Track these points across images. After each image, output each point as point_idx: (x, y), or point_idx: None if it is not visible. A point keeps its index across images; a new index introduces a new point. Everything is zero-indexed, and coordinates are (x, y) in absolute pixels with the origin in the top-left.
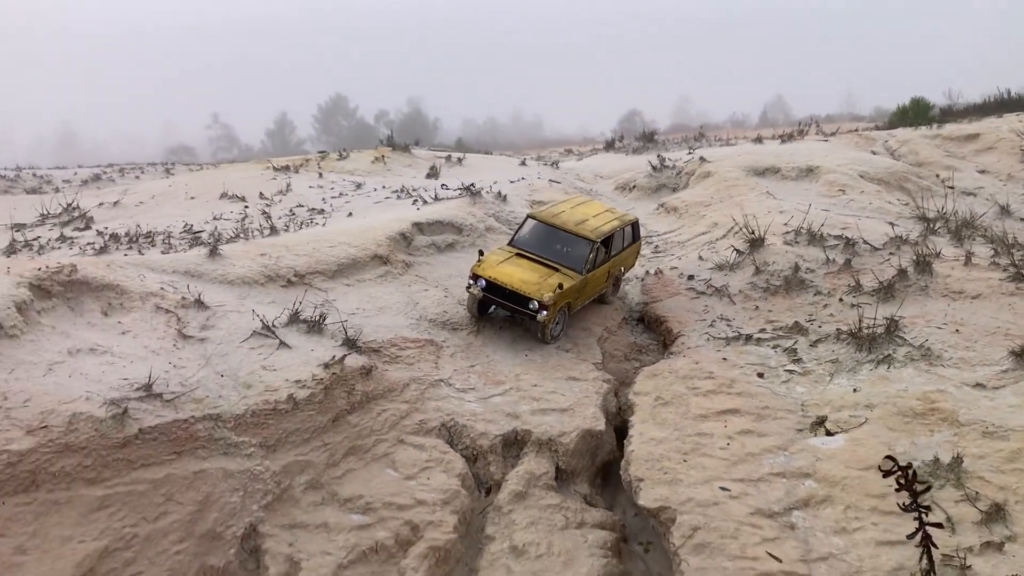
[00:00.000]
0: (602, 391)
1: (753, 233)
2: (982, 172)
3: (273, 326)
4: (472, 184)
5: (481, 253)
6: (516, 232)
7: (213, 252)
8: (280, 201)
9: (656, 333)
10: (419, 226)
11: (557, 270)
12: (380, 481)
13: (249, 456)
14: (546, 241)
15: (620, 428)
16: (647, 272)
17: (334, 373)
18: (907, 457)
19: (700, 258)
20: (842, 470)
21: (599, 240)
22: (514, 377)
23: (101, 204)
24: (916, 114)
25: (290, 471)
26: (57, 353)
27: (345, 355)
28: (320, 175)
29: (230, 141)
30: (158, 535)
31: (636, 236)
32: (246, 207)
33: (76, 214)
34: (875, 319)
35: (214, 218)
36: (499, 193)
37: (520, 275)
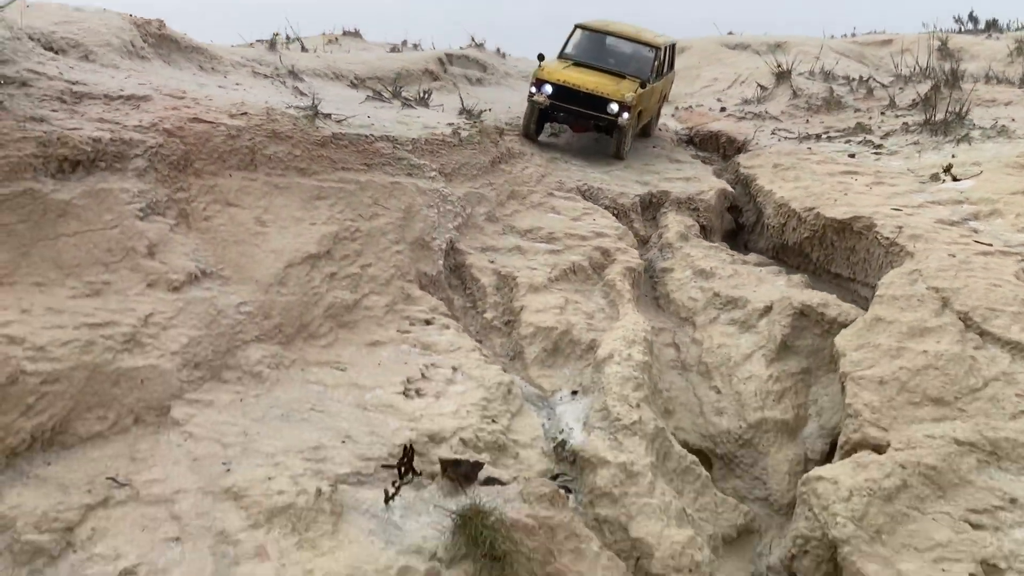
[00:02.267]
0: (711, 170)
1: (780, 66)
2: None
3: (382, 96)
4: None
5: (541, 57)
6: (564, 45)
7: (272, 46)
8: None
9: (713, 150)
10: (449, 57)
11: (623, 77)
12: (549, 220)
13: (432, 179)
14: (602, 50)
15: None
16: (676, 108)
17: (477, 126)
18: None
19: (718, 100)
20: (991, 195)
21: (662, 47)
22: (622, 166)
23: None
24: None
25: (470, 201)
26: (192, 76)
27: (481, 111)
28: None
29: None
30: (377, 233)
31: (673, 63)
32: None
33: None
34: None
35: None
36: (498, 50)
37: (591, 79)
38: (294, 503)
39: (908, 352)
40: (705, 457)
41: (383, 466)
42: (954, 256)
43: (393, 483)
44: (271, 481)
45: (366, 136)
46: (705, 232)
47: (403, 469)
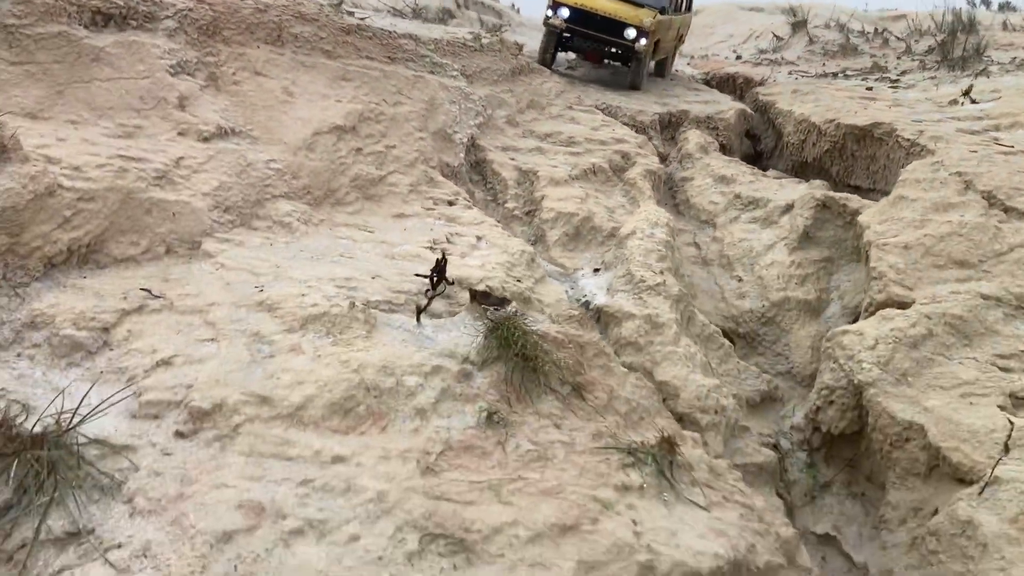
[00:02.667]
0: (730, 98)
1: (796, 15)
2: None
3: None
4: None
5: None
6: None
7: None
8: None
9: (730, 92)
10: (466, 0)
11: (641, 6)
12: (569, 128)
13: (454, 78)
14: None
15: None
16: (692, 58)
17: (497, 35)
18: None
19: (733, 51)
20: (1012, 111)
21: None
22: (640, 92)
23: None
24: None
25: (490, 103)
26: None
27: (501, 25)
28: None
29: None
30: (401, 119)
31: (691, 5)
32: None
33: None
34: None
35: None
36: (512, 5)
37: (609, 3)
38: (328, 311)
39: (932, 223)
40: (727, 337)
41: (412, 297)
42: (975, 152)
43: (425, 292)
44: (304, 297)
45: (389, 32)
46: (724, 151)
47: (435, 279)
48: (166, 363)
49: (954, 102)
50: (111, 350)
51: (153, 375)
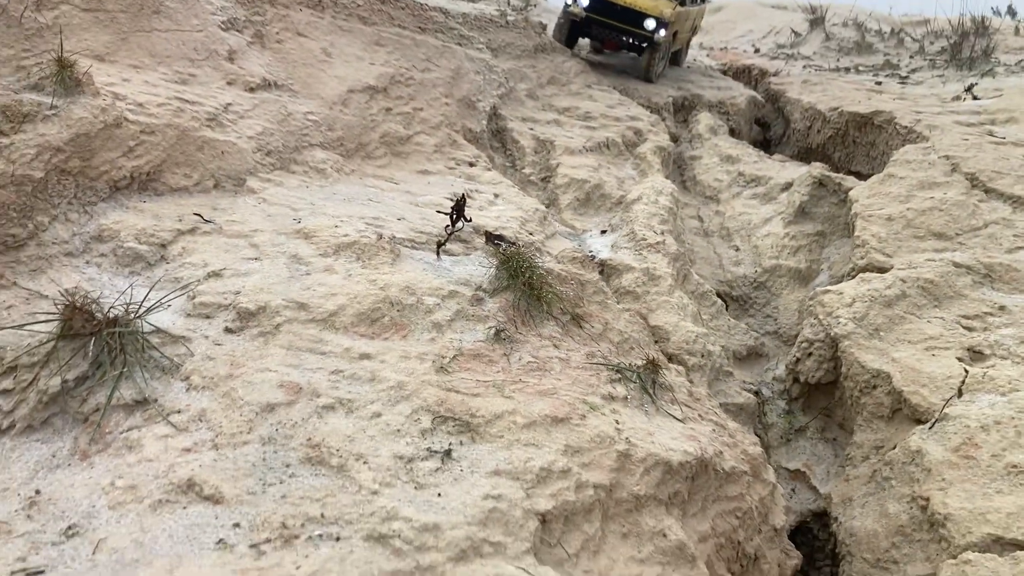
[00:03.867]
0: (742, 85)
1: (814, 12)
2: None
3: None
4: None
5: None
6: None
7: None
8: None
9: (745, 82)
10: None
11: None
12: (586, 104)
13: (480, 50)
14: None
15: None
16: (711, 50)
17: (523, 13)
18: None
19: (752, 45)
20: (1009, 107)
21: None
22: (654, 83)
23: None
24: None
25: (513, 76)
26: None
27: (527, 5)
28: None
29: None
30: (428, 84)
31: None
32: None
33: None
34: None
35: None
36: None
37: None
38: (358, 240)
39: (916, 198)
40: (721, 299)
41: (433, 238)
42: (967, 140)
43: (445, 228)
44: (337, 228)
45: (421, 4)
46: (734, 134)
47: (455, 216)
48: (216, 275)
49: (957, 98)
50: (167, 263)
51: (205, 283)
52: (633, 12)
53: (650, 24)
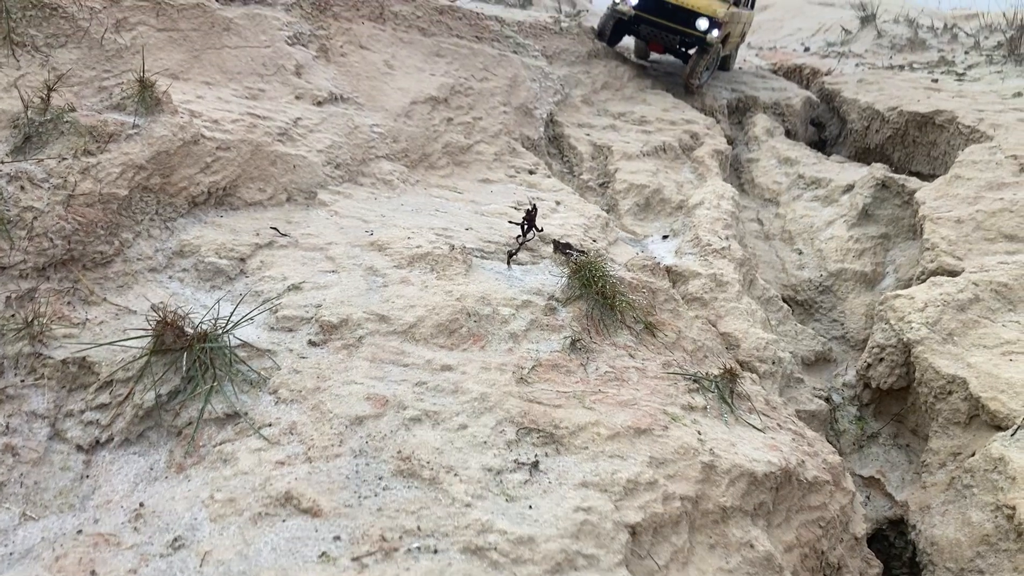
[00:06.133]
0: (796, 86)
1: (864, 8)
2: None
3: None
4: None
5: None
6: None
7: None
8: None
9: (797, 82)
10: None
11: None
12: (641, 108)
13: (535, 58)
14: None
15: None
16: (760, 49)
17: (576, 20)
18: None
19: (801, 43)
20: None
21: None
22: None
23: None
24: None
25: (568, 82)
26: None
27: (579, 11)
28: None
29: None
30: (487, 94)
31: (754, 3)
32: None
33: None
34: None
35: None
36: None
37: None
38: (431, 252)
39: (984, 200)
40: (786, 304)
41: (501, 247)
42: None
43: (516, 238)
44: (410, 240)
45: (477, 13)
46: (790, 136)
47: (526, 225)
48: (296, 288)
49: (1018, 94)
50: (247, 276)
51: (286, 297)
52: (685, 11)
53: (703, 24)
